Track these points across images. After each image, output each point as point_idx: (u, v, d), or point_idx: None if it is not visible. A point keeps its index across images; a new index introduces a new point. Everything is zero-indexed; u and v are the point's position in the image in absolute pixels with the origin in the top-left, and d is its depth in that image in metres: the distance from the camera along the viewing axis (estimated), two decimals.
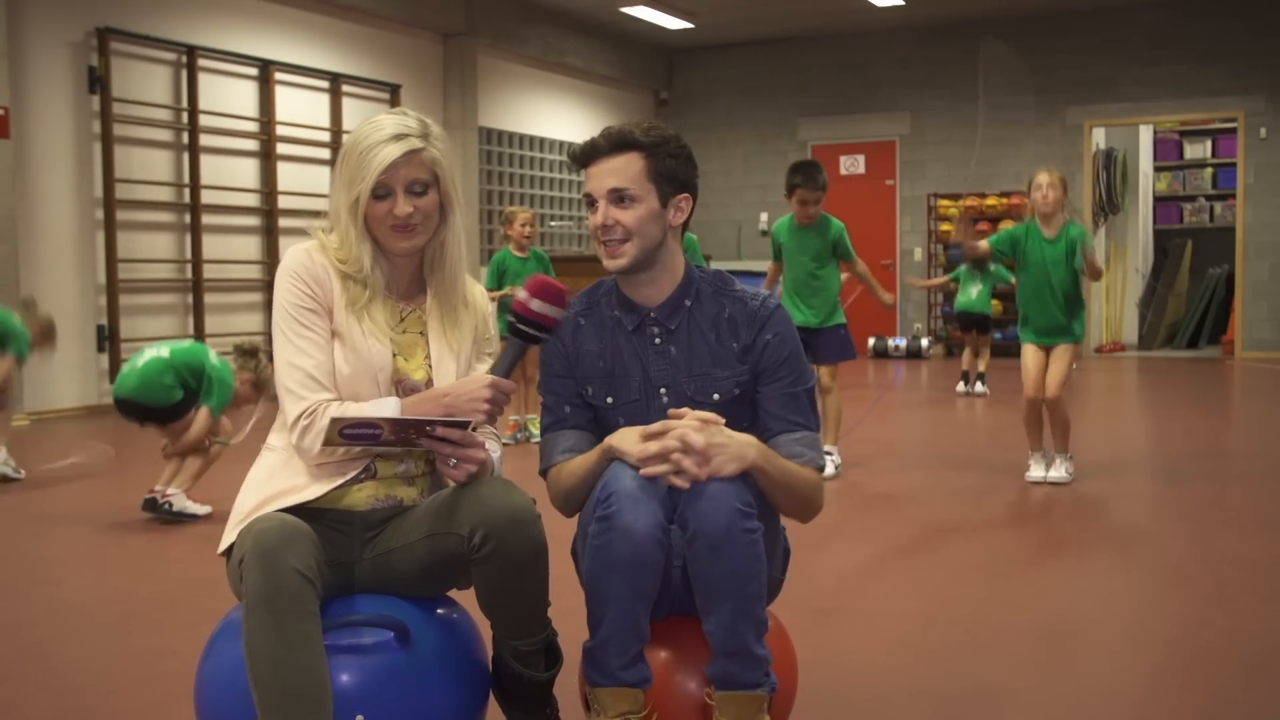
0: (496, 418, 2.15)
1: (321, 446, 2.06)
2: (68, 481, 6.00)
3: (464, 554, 2.02)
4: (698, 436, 2.03)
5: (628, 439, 2.10)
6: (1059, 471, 5.57)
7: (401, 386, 2.18)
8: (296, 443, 2.11)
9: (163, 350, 4.94)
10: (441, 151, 2.17)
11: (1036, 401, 5.59)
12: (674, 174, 2.22)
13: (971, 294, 9.89)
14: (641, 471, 2.04)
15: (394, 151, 2.11)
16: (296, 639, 1.87)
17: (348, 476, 2.13)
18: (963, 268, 10.08)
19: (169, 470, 4.98)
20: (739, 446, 2.07)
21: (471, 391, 2.09)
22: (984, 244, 5.74)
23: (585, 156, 2.24)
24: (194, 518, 4.87)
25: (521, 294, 2.13)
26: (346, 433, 1.99)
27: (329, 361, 2.13)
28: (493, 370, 2.15)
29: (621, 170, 2.20)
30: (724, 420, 2.09)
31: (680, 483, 2.02)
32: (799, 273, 5.89)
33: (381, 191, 2.13)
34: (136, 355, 5.00)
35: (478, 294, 2.33)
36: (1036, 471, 5.62)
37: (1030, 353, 5.62)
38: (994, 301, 13.70)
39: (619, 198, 2.20)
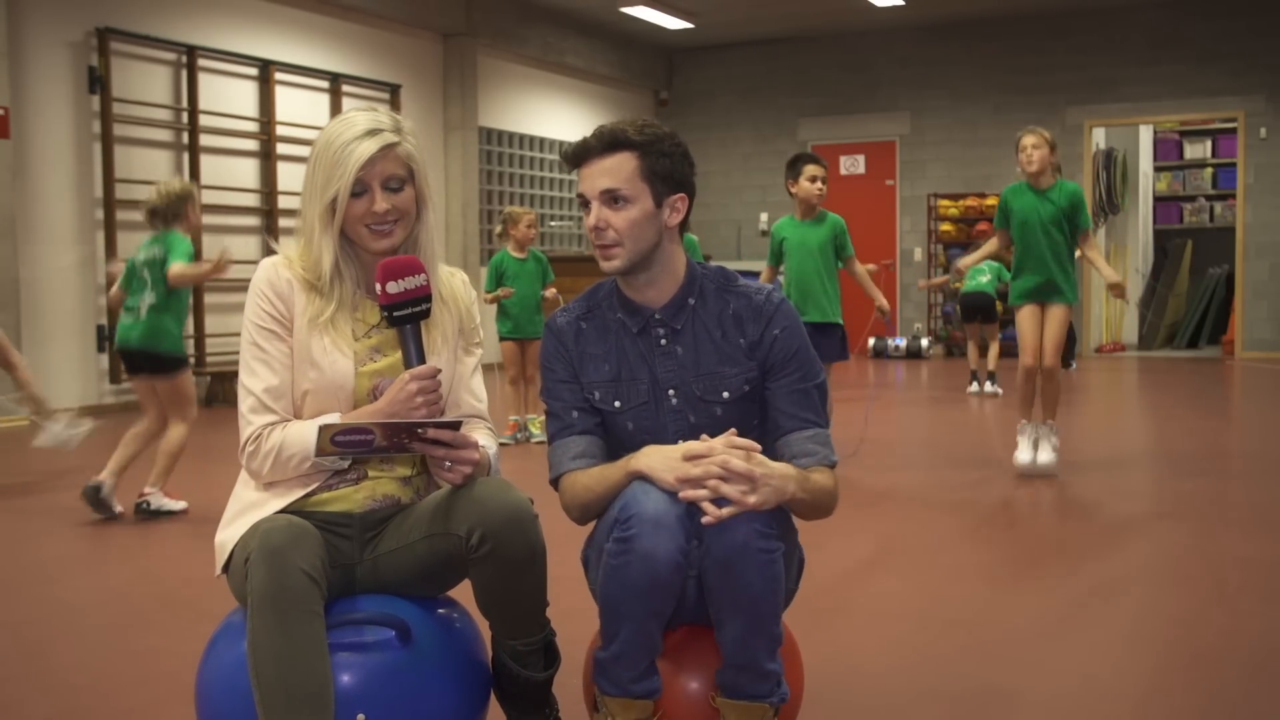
0: (439, 404, 2.11)
1: (315, 456, 2.06)
2: (68, 481, 6.00)
3: (462, 554, 2.02)
4: (741, 462, 1.97)
5: (657, 463, 2.03)
6: (1046, 454, 5.61)
7: (377, 390, 2.16)
8: (245, 465, 2.13)
9: (148, 296, 4.99)
10: (415, 147, 2.16)
11: (1034, 370, 5.62)
12: (669, 173, 2.17)
13: (981, 280, 9.87)
14: (680, 495, 1.98)
15: (371, 147, 2.09)
16: (300, 638, 1.87)
17: (310, 487, 2.13)
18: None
19: (154, 470, 5.09)
20: (779, 480, 2.01)
21: (399, 394, 2.07)
22: (963, 263, 6.09)
23: (577, 156, 2.19)
24: (170, 514, 5.04)
25: (378, 289, 2.08)
26: (339, 439, 1.99)
27: (282, 383, 2.13)
28: (405, 365, 2.12)
29: (614, 170, 2.15)
30: (761, 448, 2.03)
31: (716, 511, 1.95)
32: (804, 268, 5.88)
33: (359, 189, 2.11)
34: (129, 306, 5.07)
35: (459, 285, 2.30)
36: (1024, 455, 5.65)
37: (1026, 316, 5.65)
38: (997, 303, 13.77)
39: (612, 199, 2.15)
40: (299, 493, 2.12)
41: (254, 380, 2.12)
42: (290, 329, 2.15)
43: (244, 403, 2.13)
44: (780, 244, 5.98)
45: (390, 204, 2.12)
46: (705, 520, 1.96)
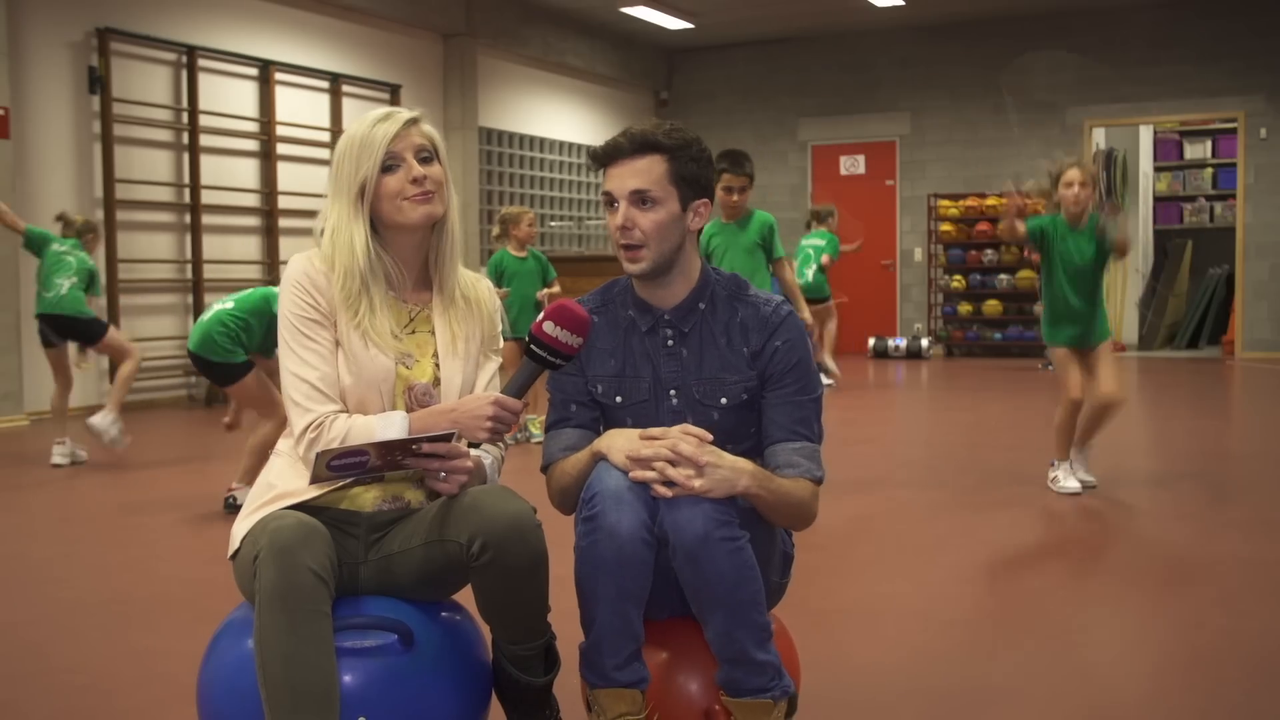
0: (502, 435, 2.13)
1: (310, 483, 2.05)
2: (67, 481, 6.00)
3: (463, 561, 2.02)
4: (689, 446, 2.02)
5: (616, 443, 2.09)
6: (1079, 475, 5.30)
7: (412, 393, 2.16)
8: (303, 454, 2.10)
9: (228, 303, 5.01)
10: (435, 130, 2.22)
11: (1079, 403, 5.22)
12: (695, 178, 2.21)
13: (806, 275, 9.92)
14: (631, 476, 2.03)
15: (395, 123, 2.14)
16: (308, 638, 1.87)
17: (349, 479, 2.12)
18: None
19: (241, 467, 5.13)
20: (730, 471, 2.04)
21: (476, 409, 2.09)
22: (1022, 228, 5.35)
23: (607, 156, 2.21)
24: None
25: (541, 316, 2.12)
26: (334, 464, 1.99)
27: (334, 372, 2.13)
28: (505, 389, 2.13)
29: (644, 172, 2.18)
30: (711, 439, 2.07)
31: (664, 491, 2.01)
32: (735, 270, 5.68)
33: (391, 163, 2.14)
34: (209, 307, 5.10)
35: (485, 290, 2.32)
36: (1069, 481, 5.29)
37: (1064, 355, 5.31)
38: (994, 301, 13.77)
39: (641, 200, 2.18)
40: (327, 488, 2.11)
41: (307, 369, 2.11)
42: (332, 321, 2.15)
43: (297, 390, 2.11)
44: (709, 245, 5.55)
45: (426, 171, 2.15)
46: (654, 493, 2.02)
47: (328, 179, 2.20)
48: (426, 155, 2.17)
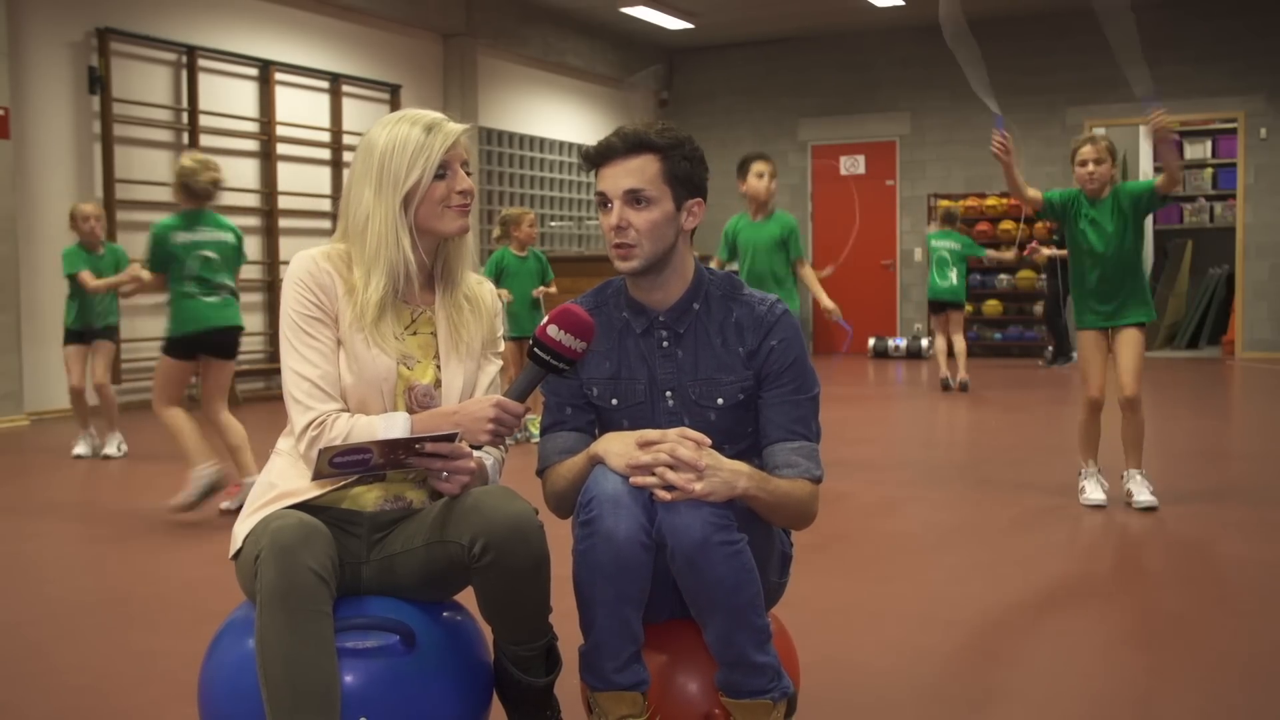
0: (503, 438, 2.14)
1: (312, 480, 2.05)
2: (67, 481, 6.00)
3: (465, 562, 2.02)
4: (688, 451, 2.01)
5: (613, 447, 2.08)
6: (1143, 493, 4.89)
7: (413, 394, 2.17)
8: (304, 452, 2.10)
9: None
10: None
11: (1099, 403, 4.95)
12: (688, 177, 2.20)
13: (951, 279, 9.84)
14: (631, 481, 2.03)
15: (454, 132, 2.15)
16: (309, 638, 1.88)
17: (351, 477, 2.12)
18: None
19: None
20: (728, 474, 2.04)
21: (478, 411, 2.09)
22: (1033, 193, 4.99)
23: (600, 156, 2.21)
24: None
25: (545, 320, 2.12)
26: (336, 462, 1.99)
27: (335, 371, 2.13)
28: (507, 392, 2.14)
29: (638, 171, 2.17)
30: (710, 442, 2.06)
31: (664, 495, 2.00)
32: (757, 266, 5.87)
33: (442, 171, 2.14)
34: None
35: (488, 294, 2.32)
36: (1095, 493, 5.02)
37: (1090, 343, 4.95)
38: (994, 301, 13.77)
39: (635, 199, 2.17)
40: (329, 487, 2.11)
41: (308, 367, 2.12)
42: (335, 320, 2.15)
43: (298, 388, 2.11)
44: (733, 241, 5.91)
45: (470, 184, 2.17)
46: (654, 498, 2.01)
47: (356, 174, 2.18)
48: (468, 169, 2.20)
